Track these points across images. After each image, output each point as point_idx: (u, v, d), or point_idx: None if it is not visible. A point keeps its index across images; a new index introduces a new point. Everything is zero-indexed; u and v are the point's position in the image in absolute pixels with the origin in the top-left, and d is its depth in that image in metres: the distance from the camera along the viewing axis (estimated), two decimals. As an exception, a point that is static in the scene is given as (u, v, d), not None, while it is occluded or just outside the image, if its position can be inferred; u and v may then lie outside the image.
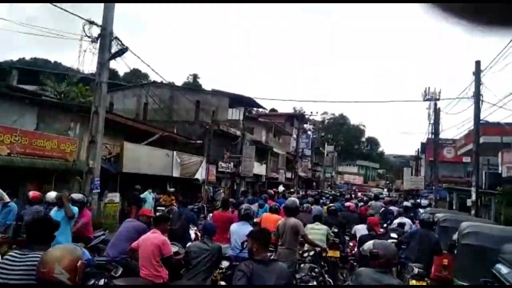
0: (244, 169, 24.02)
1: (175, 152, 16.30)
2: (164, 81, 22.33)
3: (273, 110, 51.77)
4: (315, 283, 4.97)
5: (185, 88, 32.42)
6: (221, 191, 20.95)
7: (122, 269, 4.95)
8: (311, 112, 42.15)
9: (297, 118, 42.22)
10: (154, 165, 14.73)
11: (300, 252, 6.18)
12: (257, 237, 3.34)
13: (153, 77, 56.75)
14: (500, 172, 14.29)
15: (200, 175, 18.15)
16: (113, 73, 41.12)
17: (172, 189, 14.01)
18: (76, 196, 6.69)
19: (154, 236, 4.78)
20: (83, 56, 11.35)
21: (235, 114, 27.29)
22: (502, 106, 13.05)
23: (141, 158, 13.81)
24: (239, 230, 5.76)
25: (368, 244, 3.55)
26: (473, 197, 14.88)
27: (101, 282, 4.32)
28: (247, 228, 5.71)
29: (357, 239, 7.02)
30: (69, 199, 5.83)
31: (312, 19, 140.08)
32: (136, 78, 47.09)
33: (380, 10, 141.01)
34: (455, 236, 6.00)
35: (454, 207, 20.81)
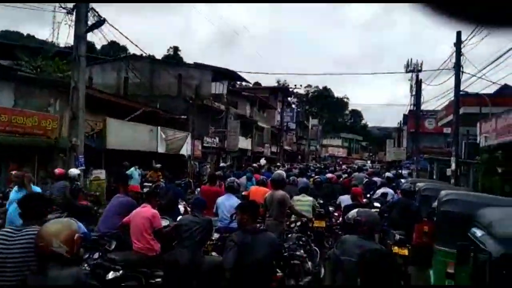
0: (229, 143, 24.06)
1: (159, 128, 16.14)
2: (144, 54, 21.78)
3: (257, 84, 51.39)
4: (302, 251, 5.15)
5: (166, 61, 31.72)
6: (207, 166, 21.01)
7: (116, 242, 5.02)
8: (295, 85, 41.97)
9: (281, 91, 42.10)
10: (139, 141, 14.59)
11: (288, 223, 6.36)
12: (246, 209, 3.48)
13: (132, 50, 55.15)
14: (478, 142, 14.72)
15: (185, 150, 18.10)
16: (90, 47, 39.62)
17: (158, 165, 13.97)
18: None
19: (145, 210, 4.89)
20: (58, 29, 10.96)
21: (219, 88, 26.97)
22: (481, 77, 13.30)
23: (125, 134, 13.64)
24: (225, 202, 5.95)
25: (352, 213, 3.71)
26: (453, 166, 15.38)
27: (96, 255, 4.38)
28: (233, 200, 6.00)
29: (342, 209, 7.24)
30: (30, 179, 5.90)
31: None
32: (114, 51, 45.70)
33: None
34: (435, 204, 6.23)
35: (434, 177, 21.46)
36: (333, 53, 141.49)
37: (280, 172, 7.58)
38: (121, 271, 4.06)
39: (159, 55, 49.43)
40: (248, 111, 30.77)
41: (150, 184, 11.91)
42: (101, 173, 12.23)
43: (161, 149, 15.97)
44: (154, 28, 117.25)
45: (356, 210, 3.89)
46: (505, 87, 22.20)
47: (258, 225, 5.46)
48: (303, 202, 6.99)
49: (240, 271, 3.12)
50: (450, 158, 17.18)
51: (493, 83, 15.60)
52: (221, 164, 18.34)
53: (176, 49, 62.94)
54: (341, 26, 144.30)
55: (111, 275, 3.98)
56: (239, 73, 25.11)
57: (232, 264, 3.14)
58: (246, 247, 3.20)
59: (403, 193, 7.01)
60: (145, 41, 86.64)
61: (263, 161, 19.70)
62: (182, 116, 19.26)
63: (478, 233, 3.22)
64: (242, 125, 26.66)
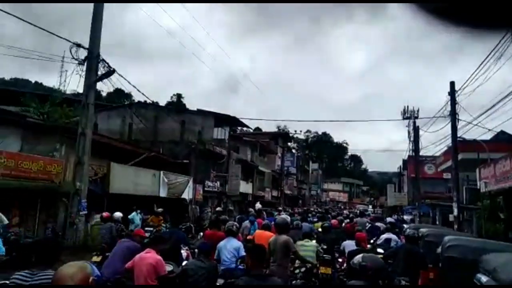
0: (230, 187, 24.06)
1: (162, 172, 16.28)
2: (148, 101, 22.45)
3: (257, 129, 52.25)
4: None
5: (169, 108, 32.52)
6: (208, 210, 20.89)
7: None
8: (295, 131, 42.81)
9: (282, 136, 42.71)
10: (141, 185, 14.66)
11: (291, 269, 6.26)
12: (253, 253, 3.47)
13: (136, 97, 56.69)
14: (478, 187, 14.79)
15: (187, 194, 18.11)
16: (97, 94, 40.96)
17: (160, 210, 13.94)
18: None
19: (149, 256, 4.87)
20: (66, 77, 11.48)
21: (221, 133, 27.46)
22: (477, 124, 13.65)
23: (128, 178, 13.75)
24: (227, 244, 6.01)
25: (357, 258, 3.72)
26: (455, 212, 15.32)
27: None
28: (234, 242, 6.10)
29: (346, 254, 7.16)
30: None
31: (296, 39, 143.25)
32: (120, 98, 46.94)
33: (361, 31, 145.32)
34: (439, 250, 6.23)
35: (437, 222, 21.26)
36: (331, 99, 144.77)
37: (284, 216, 7.62)
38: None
39: (163, 102, 50.81)
40: (249, 156, 31.04)
41: (152, 229, 11.82)
42: (103, 218, 12.16)
43: (163, 193, 16.01)
44: (159, 76, 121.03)
45: (361, 255, 3.91)
46: (501, 133, 22.62)
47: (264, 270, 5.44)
48: (307, 247, 6.90)
49: None
50: (451, 203, 17.15)
51: (489, 130, 15.93)
52: (217, 208, 18.23)
53: (179, 96, 64.77)
54: (338, 75, 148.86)
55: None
56: (240, 119, 25.66)
57: None
58: None
59: (407, 239, 6.93)
60: (150, 88, 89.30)
61: (258, 206, 19.41)
62: (184, 161, 19.46)
63: (483, 278, 3.28)
64: (243, 170, 26.79)
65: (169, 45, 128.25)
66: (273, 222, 7.86)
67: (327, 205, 53.14)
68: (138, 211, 12.99)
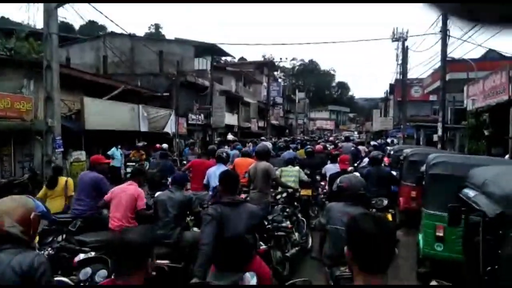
0: (215, 120, 23.67)
1: (141, 106, 15.67)
2: (123, 32, 20.93)
3: (242, 59, 50.55)
4: (288, 222, 4.97)
5: (146, 38, 30.66)
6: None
7: (80, 222, 4.77)
8: (281, 59, 41.24)
9: (267, 65, 41.39)
10: (120, 120, 14.13)
11: (273, 194, 6.20)
12: (223, 180, 3.26)
13: (111, 29, 53.32)
14: (465, 106, 14.65)
15: (170, 128, 17.71)
16: (68, 27, 38.24)
17: (141, 144, 13.61)
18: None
19: (131, 188, 4.75)
20: (27, 7, 10.31)
21: (202, 64, 26.33)
22: (467, 40, 13.06)
23: (104, 113, 13.15)
24: (216, 171, 5.90)
25: (337, 180, 3.54)
26: (439, 132, 15.32)
27: (59, 238, 4.11)
28: (223, 168, 5.94)
29: (327, 178, 7.10)
30: None
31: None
32: (93, 31, 44.15)
33: None
34: (423, 169, 6.08)
35: (421, 143, 21.56)
36: (319, 26, 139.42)
37: (264, 143, 7.47)
38: (92, 253, 3.80)
39: (140, 34, 47.96)
40: (234, 87, 30.24)
41: (134, 164, 11.61)
42: (81, 155, 11.83)
43: (144, 128, 15.57)
44: (135, 6, 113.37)
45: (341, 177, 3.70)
46: (490, 51, 22.09)
47: (241, 196, 5.29)
48: (289, 173, 6.86)
49: (219, 245, 2.90)
50: (436, 124, 17.16)
51: (479, 45, 15.31)
52: (190, 140, 17.67)
53: (157, 26, 61.04)
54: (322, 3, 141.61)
55: (80, 257, 3.71)
56: (221, 46, 24.33)
57: (210, 239, 2.92)
58: (224, 220, 2.98)
59: (372, 160, 6.87)
60: (125, 19, 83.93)
61: (230, 136, 18.58)
62: (165, 94, 18.72)
63: (471, 193, 3.03)
64: (228, 101, 26.21)
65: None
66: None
67: (314, 134, 53.66)
68: (119, 146, 12.64)
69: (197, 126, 21.49)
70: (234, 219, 3.00)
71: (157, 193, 4.95)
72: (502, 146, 10.49)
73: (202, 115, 22.21)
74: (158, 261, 2.86)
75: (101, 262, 3.71)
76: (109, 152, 11.60)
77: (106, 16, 22.05)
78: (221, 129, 25.06)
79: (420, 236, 5.18)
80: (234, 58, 38.54)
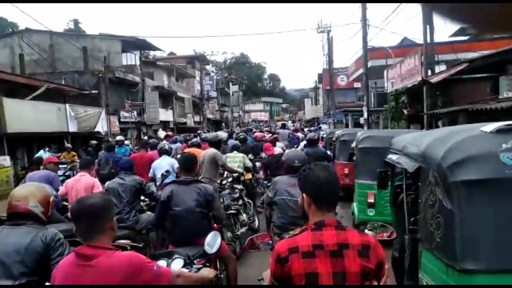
0: (149, 116, 23.03)
1: (67, 105, 14.75)
2: (42, 28, 19.42)
3: (171, 53, 49.26)
4: (237, 206, 5.19)
5: (68, 33, 28.64)
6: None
7: None
8: (212, 52, 41.07)
9: (198, 59, 40.99)
10: (45, 122, 13.19)
11: (219, 181, 6.40)
12: (181, 161, 3.67)
13: (25, 25, 48.84)
14: (386, 90, 15.97)
15: (101, 127, 16.90)
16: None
17: (69, 145, 12.88)
18: None
19: (85, 178, 4.84)
20: None
21: (131, 59, 25.35)
22: (384, 29, 14.22)
23: (27, 115, 12.19)
24: (161, 162, 6.34)
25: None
26: (365, 115, 16.58)
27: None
28: (168, 159, 6.47)
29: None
30: None
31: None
32: (3, 28, 40.12)
33: None
34: (353, 145, 6.65)
35: (349, 127, 23.05)
36: (249, 20, 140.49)
37: (216, 133, 8.11)
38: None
39: (58, 30, 44.43)
40: (166, 82, 29.55)
41: (65, 166, 10.97)
42: (4, 160, 10.90)
43: (73, 128, 14.70)
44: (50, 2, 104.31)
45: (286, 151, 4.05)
46: (405, 39, 24.18)
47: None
48: (234, 158, 7.21)
49: (172, 221, 3.05)
50: (362, 109, 18.49)
51: (393, 33, 16.72)
52: (117, 137, 16.65)
53: (76, 22, 56.75)
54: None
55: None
56: (148, 39, 23.59)
57: (156, 219, 3.11)
58: (175, 196, 3.17)
59: (308, 142, 7.67)
60: (41, 16, 77.10)
61: (161, 133, 17.75)
62: (93, 91, 17.78)
63: (394, 157, 3.46)
64: (161, 97, 25.60)
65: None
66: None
67: (249, 125, 54.43)
68: (46, 149, 11.83)
69: (130, 123, 20.73)
70: (183, 194, 3.23)
71: (107, 182, 4.96)
72: (420, 123, 11.70)
73: (135, 112, 21.47)
74: (121, 241, 2.94)
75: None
76: (37, 155, 10.79)
77: (22, 11, 19.67)
78: (156, 126, 24.44)
79: (354, 205, 5.71)
80: (164, 52, 37.65)
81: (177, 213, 3.13)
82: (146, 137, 18.43)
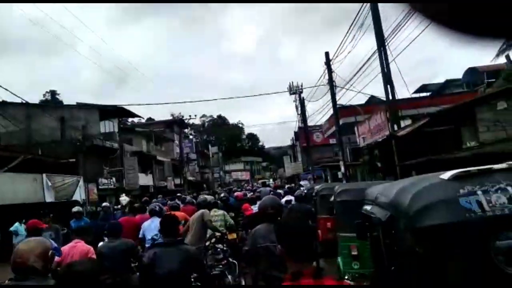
0: (128, 182, 22.78)
1: (44, 175, 14.52)
2: (17, 100, 19.56)
3: (149, 119, 50.03)
4: (220, 266, 5.15)
5: (44, 105, 28.94)
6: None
7: None
8: (190, 116, 41.92)
9: (177, 123, 41.71)
10: (20, 193, 12.90)
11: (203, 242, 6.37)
12: (162, 223, 3.66)
13: (0, 98, 48.81)
14: (359, 144, 16.62)
15: (79, 195, 16.56)
16: None
17: (47, 218, 12.47)
18: None
19: (81, 245, 4.82)
20: None
21: (109, 126, 25.59)
22: (350, 89, 15.23)
23: (2, 187, 11.96)
24: (151, 224, 6.32)
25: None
26: (342, 169, 17.02)
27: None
28: (157, 221, 6.17)
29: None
30: None
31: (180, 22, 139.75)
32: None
33: (248, 11, 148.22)
34: (332, 199, 6.84)
35: (329, 181, 23.41)
36: (224, 82, 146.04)
37: (204, 197, 8.59)
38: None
39: (34, 101, 44.72)
40: (145, 147, 29.70)
41: (49, 233, 10.57)
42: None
43: (49, 198, 14.36)
44: (26, 73, 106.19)
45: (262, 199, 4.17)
46: (371, 97, 25.70)
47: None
48: (217, 217, 7.27)
49: (156, 284, 3.03)
50: (339, 163, 19.02)
51: (359, 92, 17.81)
52: (104, 204, 15.95)
53: (53, 93, 57.33)
54: (227, 58, 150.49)
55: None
56: (127, 107, 24.08)
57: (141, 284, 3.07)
58: (156, 259, 3.17)
59: (296, 198, 8.34)
60: (16, 87, 77.62)
61: (124, 198, 16.95)
62: (70, 160, 17.66)
63: (368, 207, 3.64)
64: (140, 161, 25.56)
65: (36, 36, 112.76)
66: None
67: (231, 186, 54.25)
68: (23, 221, 11.43)
69: (109, 190, 20.40)
70: (167, 257, 3.22)
71: (99, 245, 5.02)
72: (394, 175, 12.13)
73: (113, 178, 21.23)
74: None
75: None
76: (12, 228, 10.42)
77: (0, 86, 19.56)
78: (136, 191, 24.09)
79: (339, 259, 5.74)
80: (142, 118, 38.22)
81: (161, 277, 3.11)
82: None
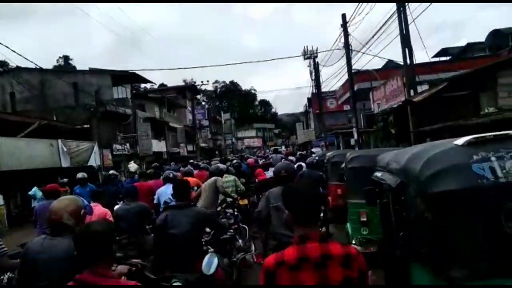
0: (142, 148, 23.10)
1: (59, 141, 14.81)
2: (31, 66, 19.66)
3: (162, 85, 49.94)
4: (231, 231, 5.25)
5: (58, 70, 29.05)
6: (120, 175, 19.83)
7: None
8: (202, 82, 41.72)
9: (189, 89, 41.56)
10: (37, 158, 13.23)
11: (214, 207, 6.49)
12: (175, 188, 3.83)
13: (14, 64, 49.19)
14: (373, 111, 16.32)
15: (94, 161, 16.92)
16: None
17: (65, 180, 12.80)
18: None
19: (98, 208, 5.03)
20: None
21: (122, 92, 25.64)
22: (366, 52, 14.75)
23: (19, 152, 12.24)
24: (166, 190, 6.47)
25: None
26: (355, 136, 16.84)
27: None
28: (171, 187, 6.38)
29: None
30: None
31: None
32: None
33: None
34: (343, 166, 6.80)
35: (341, 149, 23.29)
36: (237, 48, 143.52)
37: (217, 164, 8.54)
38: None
39: (48, 67, 44.86)
40: (158, 113, 29.84)
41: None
42: (-3, 198, 10.85)
43: (65, 163, 14.71)
44: (40, 38, 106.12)
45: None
46: (389, 61, 24.93)
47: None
48: (227, 182, 7.42)
49: (168, 245, 3.14)
50: (352, 130, 18.81)
51: (375, 56, 17.26)
52: (111, 172, 15.88)
53: (66, 58, 57.50)
54: (242, 22, 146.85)
55: None
56: (139, 73, 23.93)
57: (154, 245, 3.41)
58: (169, 221, 3.27)
59: (307, 165, 8.36)
60: (30, 53, 77.79)
61: (132, 165, 17.09)
62: (85, 126, 17.91)
63: (379, 174, 3.59)
64: (154, 128, 25.77)
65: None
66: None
67: (243, 152, 54.63)
68: (42, 185, 11.80)
69: (123, 156, 20.76)
70: (178, 218, 3.37)
71: (115, 208, 5.33)
72: (408, 141, 11.95)
73: (127, 144, 21.54)
74: (134, 260, 3.05)
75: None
76: (31, 192, 10.76)
77: (13, 51, 19.48)
78: (149, 157, 24.47)
79: (348, 225, 5.78)
80: (155, 84, 38.14)
81: (172, 236, 3.24)
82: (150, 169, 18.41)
